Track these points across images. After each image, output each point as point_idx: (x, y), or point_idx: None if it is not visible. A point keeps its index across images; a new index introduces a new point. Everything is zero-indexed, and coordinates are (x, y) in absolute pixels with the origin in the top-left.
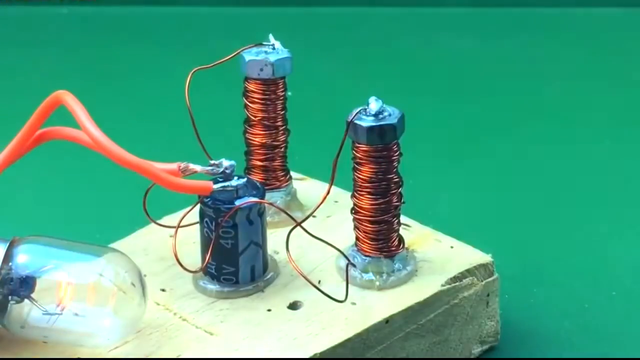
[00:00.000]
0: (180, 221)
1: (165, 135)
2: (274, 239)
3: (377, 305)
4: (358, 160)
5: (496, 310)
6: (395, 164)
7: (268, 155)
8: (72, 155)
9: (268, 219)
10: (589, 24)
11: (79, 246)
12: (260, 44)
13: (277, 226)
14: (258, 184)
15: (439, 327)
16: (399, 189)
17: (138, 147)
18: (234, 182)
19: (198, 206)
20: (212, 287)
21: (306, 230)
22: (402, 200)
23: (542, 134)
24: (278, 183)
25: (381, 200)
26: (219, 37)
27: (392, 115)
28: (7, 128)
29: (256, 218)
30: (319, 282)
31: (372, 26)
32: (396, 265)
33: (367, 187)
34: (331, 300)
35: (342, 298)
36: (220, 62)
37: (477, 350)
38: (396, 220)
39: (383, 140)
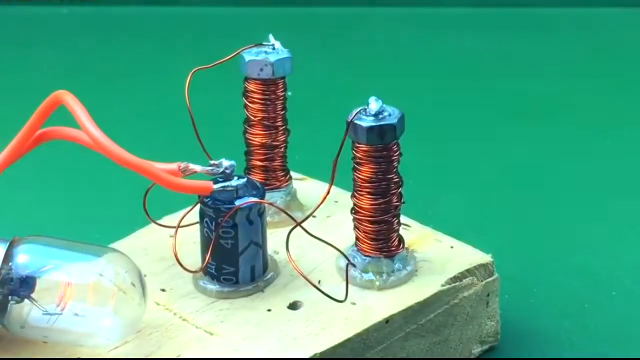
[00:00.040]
0: (180, 221)
1: (165, 135)
2: (274, 239)
3: (377, 305)
4: (358, 160)
5: (496, 310)
6: (395, 164)
7: (268, 155)
8: (72, 155)
9: (268, 219)
10: (589, 24)
11: (79, 246)
12: (260, 44)
13: (277, 226)
14: (258, 184)
15: (439, 327)
16: (399, 189)
17: (138, 147)
18: (234, 182)
19: (198, 206)
20: (212, 287)
21: (306, 230)
22: (402, 200)
23: (542, 134)
24: (278, 183)
25: (381, 200)
26: (219, 37)
27: (392, 115)
28: (7, 128)
29: (256, 218)
30: (319, 282)
31: (372, 26)
32: (396, 265)
33: (367, 187)
34: (331, 300)
35: (342, 298)
36: (220, 62)
37: (477, 350)
38: (396, 220)
39: (383, 140)
